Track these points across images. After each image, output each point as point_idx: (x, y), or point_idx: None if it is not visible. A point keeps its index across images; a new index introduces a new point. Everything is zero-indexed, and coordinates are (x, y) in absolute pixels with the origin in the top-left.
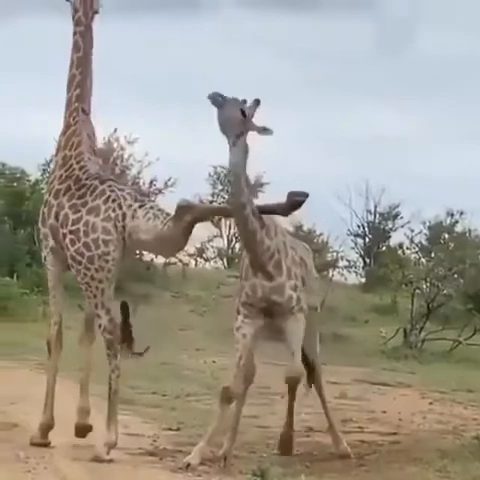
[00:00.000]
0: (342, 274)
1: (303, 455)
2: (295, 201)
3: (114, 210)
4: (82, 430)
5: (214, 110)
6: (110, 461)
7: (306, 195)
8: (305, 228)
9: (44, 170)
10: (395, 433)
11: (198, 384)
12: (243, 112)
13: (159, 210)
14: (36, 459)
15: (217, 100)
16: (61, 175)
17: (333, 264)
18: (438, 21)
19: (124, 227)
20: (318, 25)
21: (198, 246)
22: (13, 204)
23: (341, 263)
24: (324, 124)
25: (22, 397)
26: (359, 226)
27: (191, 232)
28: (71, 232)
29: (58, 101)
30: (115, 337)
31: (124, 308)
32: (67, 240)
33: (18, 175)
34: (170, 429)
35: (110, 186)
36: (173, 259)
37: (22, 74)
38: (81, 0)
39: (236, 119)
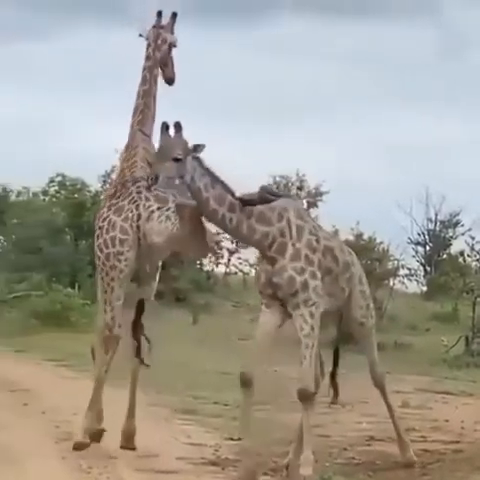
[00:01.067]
0: (403, 282)
1: (365, 464)
2: (266, 198)
3: (132, 211)
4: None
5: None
6: (173, 471)
7: (278, 195)
8: (365, 236)
9: (104, 181)
10: (458, 442)
11: (260, 393)
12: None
13: (173, 212)
14: (99, 469)
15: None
16: (115, 182)
17: (394, 272)
18: None
19: (139, 227)
20: (378, 33)
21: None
22: (74, 215)
23: (402, 271)
24: (384, 132)
25: (84, 408)
26: (419, 234)
27: (201, 231)
28: (99, 228)
29: (119, 114)
30: (112, 335)
31: (140, 307)
32: (95, 236)
33: (79, 186)
34: (232, 439)
35: (138, 187)
36: (234, 269)
37: (83, 87)
38: (154, 36)
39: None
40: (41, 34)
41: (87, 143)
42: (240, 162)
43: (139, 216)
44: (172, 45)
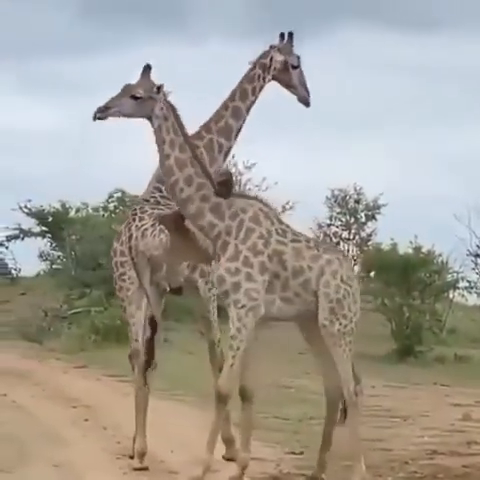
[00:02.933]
0: (463, 295)
1: (427, 478)
2: (219, 181)
3: (125, 233)
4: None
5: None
6: None
7: (229, 174)
8: (424, 249)
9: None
10: None
11: (321, 407)
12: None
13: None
14: None
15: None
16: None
17: (453, 285)
18: None
19: (130, 248)
20: (442, 45)
21: None
22: None
23: (461, 284)
24: (442, 144)
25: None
26: (479, 246)
27: (192, 235)
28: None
29: None
30: (133, 351)
31: (153, 324)
32: None
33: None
34: (293, 453)
35: (134, 210)
36: None
37: None
38: (264, 57)
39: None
40: (95, 49)
41: (147, 158)
42: (304, 174)
43: (130, 237)
44: (289, 65)
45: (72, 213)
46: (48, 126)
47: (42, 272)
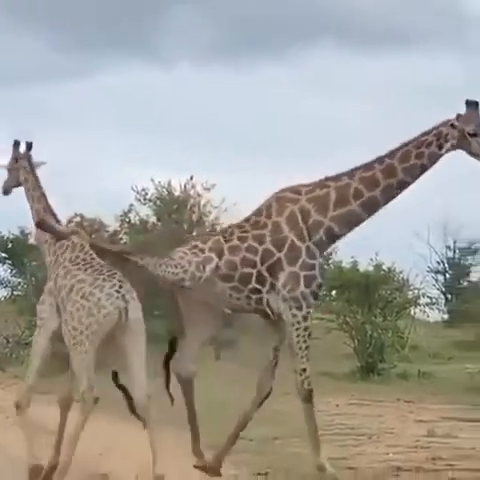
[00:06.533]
0: (424, 311)
1: None
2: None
3: None
4: None
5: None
6: None
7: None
8: (385, 267)
9: (122, 220)
10: None
11: (284, 428)
12: None
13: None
14: None
15: None
16: None
17: (415, 301)
18: None
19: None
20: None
21: None
22: None
23: (422, 300)
24: None
25: None
26: (439, 263)
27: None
28: None
29: (135, 154)
30: None
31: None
32: None
33: (96, 227)
34: (259, 474)
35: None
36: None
37: (98, 130)
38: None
39: None
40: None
41: (104, 183)
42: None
43: None
44: (466, 132)
45: (31, 240)
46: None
47: (2, 298)
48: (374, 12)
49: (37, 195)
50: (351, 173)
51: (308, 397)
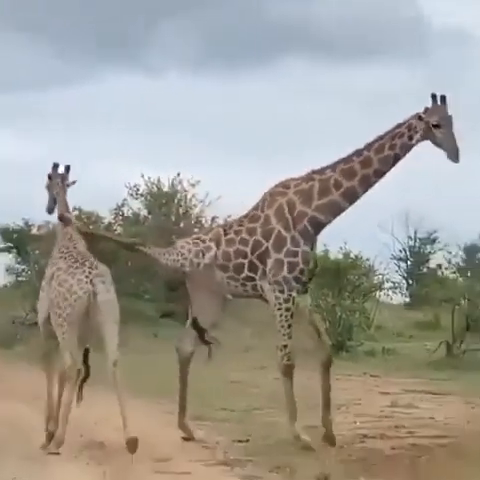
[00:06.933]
0: (388, 295)
1: (360, 460)
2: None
3: None
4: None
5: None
6: (188, 473)
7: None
8: (353, 255)
9: (116, 214)
10: (443, 436)
11: (263, 399)
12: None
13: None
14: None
15: None
16: None
17: (379, 286)
18: None
19: None
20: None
21: None
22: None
23: (386, 285)
24: None
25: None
26: (401, 251)
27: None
28: None
29: (129, 152)
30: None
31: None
32: None
33: (93, 219)
34: (240, 441)
35: None
36: None
37: (99, 128)
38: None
39: None
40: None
41: (100, 179)
42: (245, 190)
43: None
44: (431, 124)
45: (34, 230)
46: (6, 153)
47: (8, 284)
48: (345, 26)
49: (63, 203)
50: (334, 166)
51: (287, 371)
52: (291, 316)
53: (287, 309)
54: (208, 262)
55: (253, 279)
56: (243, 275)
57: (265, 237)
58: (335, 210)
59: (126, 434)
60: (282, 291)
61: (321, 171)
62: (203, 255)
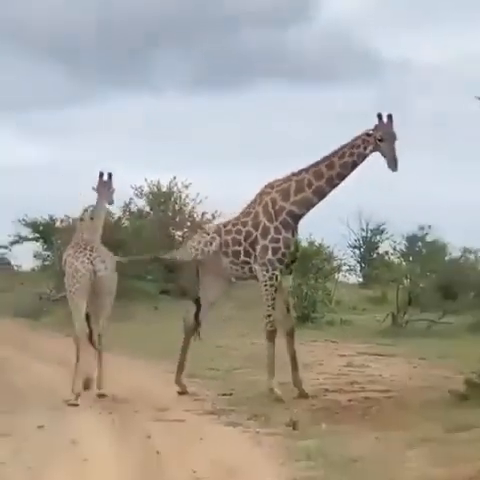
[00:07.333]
0: (345, 276)
1: (323, 409)
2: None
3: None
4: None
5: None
6: (182, 420)
7: None
8: (317, 243)
9: (124, 210)
10: (389, 390)
11: (242, 361)
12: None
13: None
14: (125, 421)
15: None
16: None
17: (338, 269)
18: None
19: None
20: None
21: None
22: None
23: (344, 268)
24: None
25: None
26: (356, 240)
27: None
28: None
29: (134, 160)
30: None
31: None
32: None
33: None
34: (224, 394)
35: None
36: None
37: (105, 144)
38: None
39: None
40: (76, 102)
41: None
42: (229, 190)
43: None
44: (377, 139)
45: (57, 223)
46: (36, 162)
47: (36, 267)
48: (313, 55)
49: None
50: (308, 169)
51: (271, 336)
52: (275, 291)
53: (271, 285)
54: (215, 249)
55: (248, 263)
56: (241, 259)
57: (255, 228)
58: (308, 204)
59: (99, 388)
60: (267, 270)
61: (298, 173)
62: (211, 244)
